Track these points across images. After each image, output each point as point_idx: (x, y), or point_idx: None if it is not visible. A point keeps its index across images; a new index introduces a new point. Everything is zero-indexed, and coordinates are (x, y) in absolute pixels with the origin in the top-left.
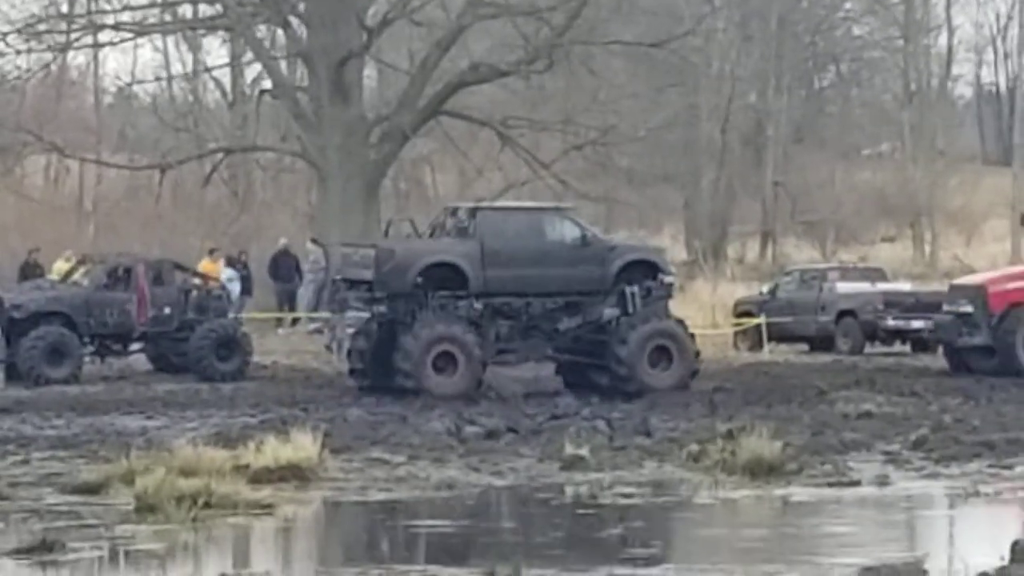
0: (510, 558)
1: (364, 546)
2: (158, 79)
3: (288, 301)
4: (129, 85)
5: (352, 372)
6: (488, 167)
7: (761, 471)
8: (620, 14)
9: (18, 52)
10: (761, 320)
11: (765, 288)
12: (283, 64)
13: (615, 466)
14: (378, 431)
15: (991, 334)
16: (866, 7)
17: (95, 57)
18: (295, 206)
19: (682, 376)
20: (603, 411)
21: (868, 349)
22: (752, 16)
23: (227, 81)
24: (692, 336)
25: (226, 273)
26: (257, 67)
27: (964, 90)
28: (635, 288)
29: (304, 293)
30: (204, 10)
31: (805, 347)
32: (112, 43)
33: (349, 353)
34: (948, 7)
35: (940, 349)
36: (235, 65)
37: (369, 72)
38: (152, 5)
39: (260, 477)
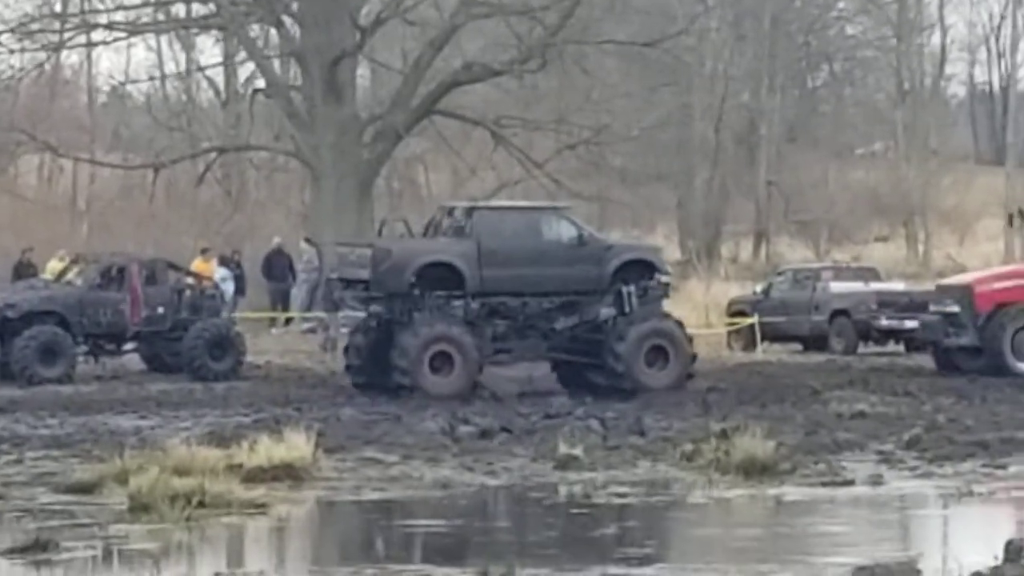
0: (504, 557)
1: (358, 546)
2: (151, 78)
3: (282, 300)
4: (122, 84)
5: (348, 368)
6: (481, 166)
7: (755, 471)
8: (613, 13)
9: (11, 51)
10: (755, 320)
11: (758, 288)
12: (276, 63)
13: (609, 465)
14: (372, 430)
15: (978, 334)
16: (859, 6)
17: (88, 56)
18: (288, 205)
19: (678, 376)
20: (597, 411)
21: (861, 349)
22: (745, 15)
23: (220, 80)
24: (691, 339)
25: (220, 272)
26: (250, 66)
27: (957, 89)
28: (632, 288)
29: (298, 293)
30: (197, 9)
31: (799, 347)
32: (105, 42)
33: (346, 349)
34: (941, 6)
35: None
36: (228, 64)
37: (362, 71)
38: (145, 4)
39: (254, 476)
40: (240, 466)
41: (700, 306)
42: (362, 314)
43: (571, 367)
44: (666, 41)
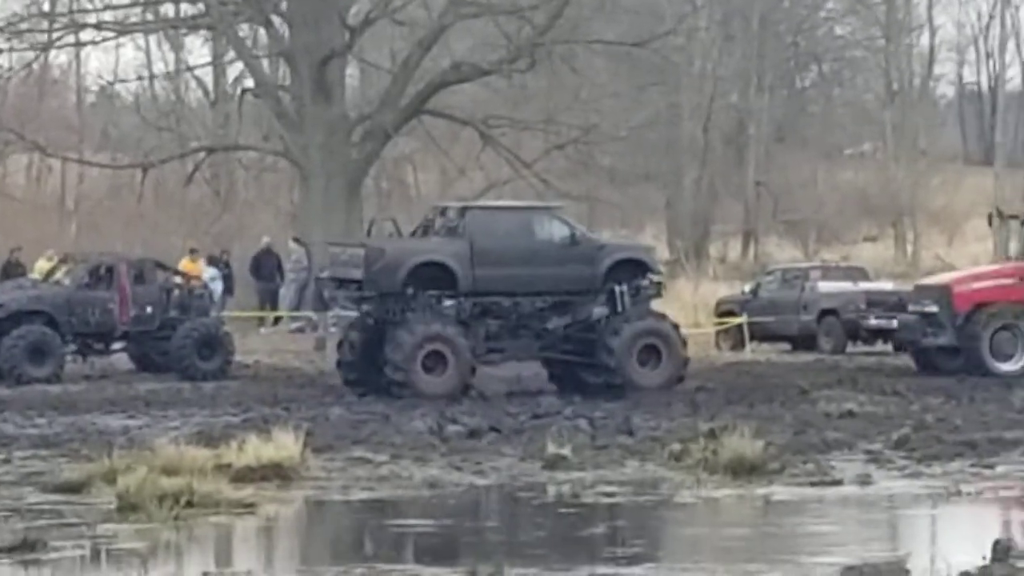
0: (492, 557)
1: (346, 545)
2: (140, 78)
3: (270, 300)
4: (111, 84)
5: (340, 363)
6: (470, 166)
7: (743, 470)
8: (602, 13)
9: (0, 51)
10: (743, 319)
11: (747, 287)
12: (265, 63)
13: (597, 465)
14: (360, 430)
15: (956, 334)
16: (848, 7)
17: (77, 56)
18: (277, 205)
19: (671, 376)
20: (585, 410)
21: (850, 348)
22: (734, 15)
23: (209, 80)
24: (685, 342)
25: (208, 272)
26: (239, 66)
27: (946, 90)
28: (624, 287)
29: (286, 292)
30: (186, 9)
31: (787, 346)
32: (94, 42)
33: (340, 344)
34: (930, 7)
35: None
36: (217, 64)
37: (351, 71)
38: (134, 4)
39: (242, 476)
40: (228, 466)
41: (688, 306)
42: (353, 314)
43: (564, 367)
44: (655, 41)
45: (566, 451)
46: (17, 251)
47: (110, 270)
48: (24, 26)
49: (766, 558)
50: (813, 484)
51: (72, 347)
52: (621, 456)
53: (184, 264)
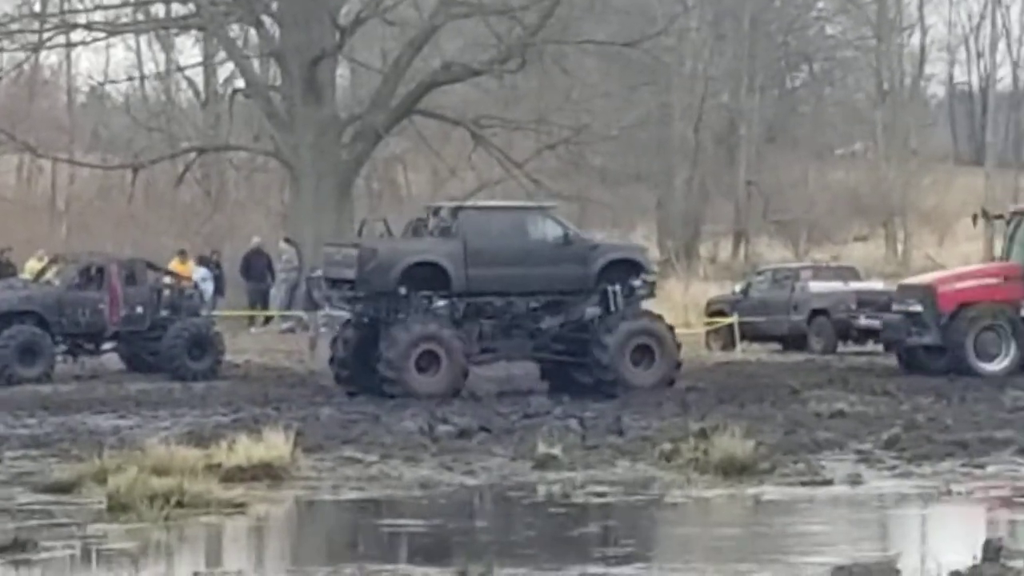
0: (483, 557)
1: (337, 545)
2: (131, 79)
3: (260, 300)
4: (102, 85)
5: (333, 360)
6: (461, 166)
7: (734, 470)
8: (593, 13)
9: None
10: (734, 319)
11: (738, 287)
12: (256, 63)
13: (588, 465)
14: (350, 430)
15: (940, 333)
16: (839, 6)
17: (67, 56)
18: (268, 205)
19: (663, 376)
20: (576, 410)
21: (841, 348)
22: (725, 15)
23: (200, 80)
24: (679, 344)
25: (199, 272)
26: (230, 66)
27: (937, 89)
28: (617, 287)
29: (276, 292)
30: (177, 9)
31: (778, 346)
32: (84, 42)
33: (334, 341)
34: (921, 6)
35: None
36: (208, 64)
37: (342, 71)
38: (124, 4)
39: (232, 476)
40: (219, 466)
41: (679, 306)
42: (345, 314)
43: (557, 367)
44: (646, 41)
45: (556, 451)
46: (8, 251)
47: (100, 270)
48: (15, 27)
49: (756, 558)
50: (803, 484)
51: (62, 347)
52: (612, 456)
53: (174, 265)
